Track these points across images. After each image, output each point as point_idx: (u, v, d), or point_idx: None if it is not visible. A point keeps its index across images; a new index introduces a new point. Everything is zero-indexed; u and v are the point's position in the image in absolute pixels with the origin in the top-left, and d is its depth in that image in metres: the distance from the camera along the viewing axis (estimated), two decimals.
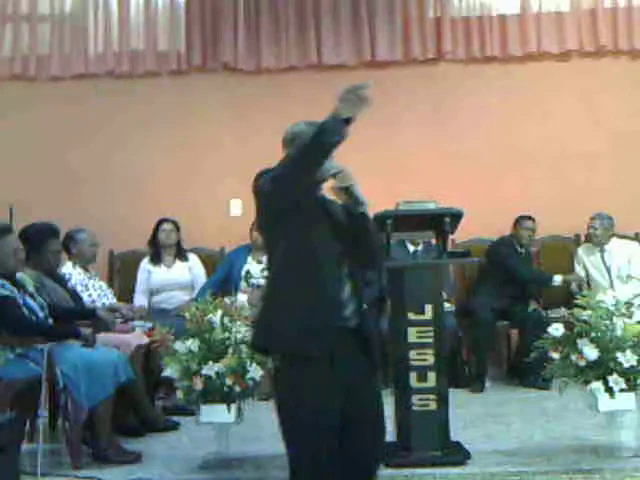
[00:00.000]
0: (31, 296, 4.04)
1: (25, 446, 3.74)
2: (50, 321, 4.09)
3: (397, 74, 6.25)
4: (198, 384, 3.69)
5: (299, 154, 2.47)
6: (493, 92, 6.27)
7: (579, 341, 3.66)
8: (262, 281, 5.22)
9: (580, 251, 6.00)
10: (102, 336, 4.31)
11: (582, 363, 3.64)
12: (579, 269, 5.92)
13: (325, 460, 2.47)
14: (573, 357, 3.67)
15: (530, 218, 5.83)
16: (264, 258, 4.88)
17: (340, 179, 2.59)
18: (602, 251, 5.87)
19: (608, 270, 5.80)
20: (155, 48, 6.29)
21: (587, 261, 5.91)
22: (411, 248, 5.66)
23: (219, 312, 3.80)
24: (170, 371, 3.87)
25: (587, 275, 5.88)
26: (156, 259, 5.63)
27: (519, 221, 5.83)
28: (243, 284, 5.49)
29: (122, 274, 6.05)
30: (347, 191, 2.60)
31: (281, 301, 2.58)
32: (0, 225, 4.23)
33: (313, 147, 2.42)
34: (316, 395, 2.47)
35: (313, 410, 2.47)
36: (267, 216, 2.61)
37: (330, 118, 2.39)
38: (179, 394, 3.80)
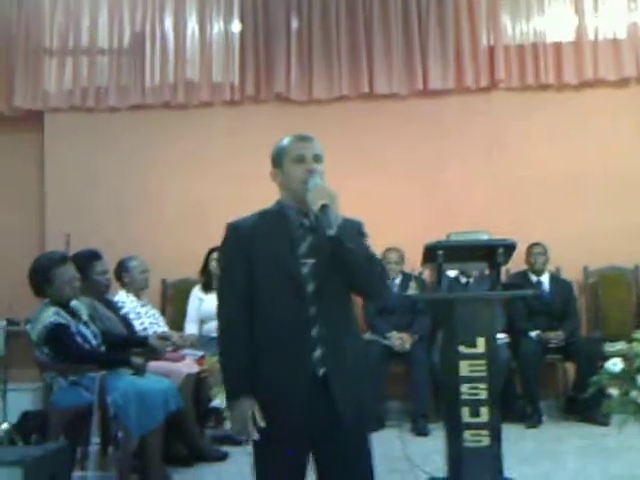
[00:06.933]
0: (85, 324, 4.10)
1: (76, 474, 3.77)
2: (103, 349, 4.14)
3: (449, 103, 6.21)
4: None
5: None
6: (548, 121, 6.16)
7: (639, 377, 3.53)
8: None
9: None
10: (153, 364, 4.35)
11: None
12: None
13: None
14: (633, 394, 3.54)
15: (539, 244, 5.75)
16: None
17: (312, 197, 2.37)
18: None
19: None
20: (210, 79, 6.38)
21: None
22: (463, 280, 5.58)
23: None
24: (219, 400, 3.88)
25: None
26: (207, 287, 5.65)
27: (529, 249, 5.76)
28: None
29: (174, 302, 6.11)
30: (321, 211, 2.34)
31: None
32: (56, 255, 4.31)
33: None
34: None
35: None
36: None
37: None
38: (228, 424, 3.80)
